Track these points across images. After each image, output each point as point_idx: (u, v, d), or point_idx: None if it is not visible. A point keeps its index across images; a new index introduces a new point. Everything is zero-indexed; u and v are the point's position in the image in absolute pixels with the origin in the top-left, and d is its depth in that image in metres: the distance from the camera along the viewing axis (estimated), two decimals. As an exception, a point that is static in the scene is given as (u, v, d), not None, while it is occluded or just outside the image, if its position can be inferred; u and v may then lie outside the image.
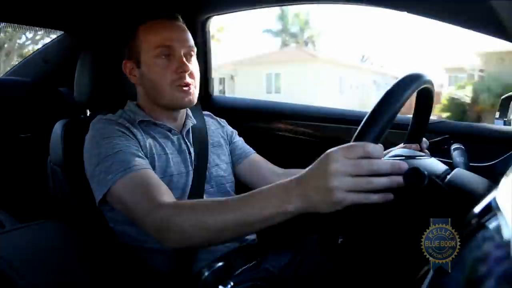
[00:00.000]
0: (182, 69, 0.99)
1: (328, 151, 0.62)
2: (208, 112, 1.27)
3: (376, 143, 0.61)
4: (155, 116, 1.07)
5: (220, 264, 1.01)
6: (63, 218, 1.13)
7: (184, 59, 1.00)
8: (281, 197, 0.66)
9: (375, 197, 0.61)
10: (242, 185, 1.21)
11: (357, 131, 0.62)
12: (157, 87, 1.02)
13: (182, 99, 1.01)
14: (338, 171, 0.60)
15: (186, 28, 1.06)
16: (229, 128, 1.26)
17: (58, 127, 1.14)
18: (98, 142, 0.94)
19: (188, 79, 1.01)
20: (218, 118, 1.27)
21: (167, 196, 0.84)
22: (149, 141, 1.00)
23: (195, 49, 1.06)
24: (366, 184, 0.60)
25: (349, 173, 0.60)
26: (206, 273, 1.00)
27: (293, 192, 0.65)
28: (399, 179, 0.61)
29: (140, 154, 0.94)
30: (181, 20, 1.07)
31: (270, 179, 1.14)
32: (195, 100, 1.05)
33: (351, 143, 0.61)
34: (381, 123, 0.61)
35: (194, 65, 1.04)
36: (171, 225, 0.76)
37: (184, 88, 1.01)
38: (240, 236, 0.75)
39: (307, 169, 0.65)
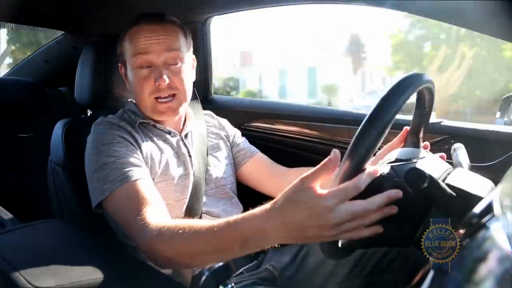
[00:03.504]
0: (159, 82, 0.97)
1: (317, 197, 0.60)
2: (210, 112, 1.26)
3: (377, 144, 0.61)
4: (153, 117, 1.06)
5: (221, 264, 1.01)
6: (64, 218, 1.13)
7: (163, 70, 0.97)
8: (260, 236, 0.65)
9: (366, 232, 0.62)
10: (244, 187, 1.21)
11: (357, 132, 0.62)
12: (138, 97, 1.02)
13: (160, 110, 1.00)
14: (339, 221, 0.59)
15: (174, 29, 1.01)
16: (231, 129, 1.25)
17: (59, 127, 1.14)
18: (97, 148, 0.94)
19: (167, 91, 0.99)
20: (219, 118, 1.26)
21: (157, 212, 0.84)
22: (149, 145, 1.00)
23: (182, 52, 1.01)
24: (360, 225, 0.61)
25: (347, 221, 0.60)
26: (206, 273, 1.00)
27: (274, 234, 0.64)
28: (392, 209, 0.61)
29: (138, 162, 0.93)
30: (168, 20, 1.02)
31: (275, 179, 1.14)
32: (178, 110, 1.03)
33: (341, 186, 0.60)
34: (380, 125, 0.61)
35: (179, 73, 1.00)
36: (157, 252, 0.78)
37: (164, 102, 0.99)
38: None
39: (287, 205, 0.63)
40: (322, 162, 0.62)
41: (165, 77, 0.97)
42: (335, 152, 0.62)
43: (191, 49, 1.08)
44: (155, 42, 0.98)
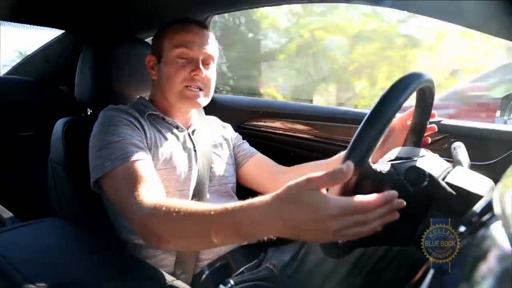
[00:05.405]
0: (196, 73, 1.03)
1: (322, 202, 0.58)
2: (213, 116, 1.30)
3: (376, 143, 0.61)
4: (165, 111, 1.10)
5: (221, 263, 1.02)
6: (64, 217, 1.13)
7: (201, 64, 1.04)
8: (255, 227, 0.64)
9: (366, 232, 0.60)
10: (243, 189, 1.22)
11: (357, 131, 0.62)
12: (169, 83, 1.05)
13: (188, 99, 1.05)
14: (339, 228, 0.57)
15: (209, 34, 1.10)
16: (234, 133, 1.29)
17: (59, 126, 1.14)
18: (104, 129, 0.96)
19: (199, 83, 1.05)
20: (222, 122, 1.30)
21: (154, 191, 0.85)
22: (155, 133, 1.02)
23: (215, 58, 1.10)
24: (361, 231, 0.59)
25: (346, 228, 0.58)
26: (207, 272, 1.00)
27: (270, 227, 0.62)
28: (393, 216, 0.60)
29: (142, 145, 0.95)
30: (209, 29, 1.12)
31: (277, 177, 1.16)
32: (202, 105, 1.09)
33: (351, 200, 0.58)
34: (380, 125, 0.61)
35: (210, 72, 1.08)
36: (150, 227, 0.77)
37: (193, 90, 1.05)
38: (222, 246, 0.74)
39: (288, 202, 0.60)
40: (333, 169, 0.58)
41: (202, 69, 1.04)
42: (349, 165, 0.58)
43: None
44: (197, 41, 1.06)
